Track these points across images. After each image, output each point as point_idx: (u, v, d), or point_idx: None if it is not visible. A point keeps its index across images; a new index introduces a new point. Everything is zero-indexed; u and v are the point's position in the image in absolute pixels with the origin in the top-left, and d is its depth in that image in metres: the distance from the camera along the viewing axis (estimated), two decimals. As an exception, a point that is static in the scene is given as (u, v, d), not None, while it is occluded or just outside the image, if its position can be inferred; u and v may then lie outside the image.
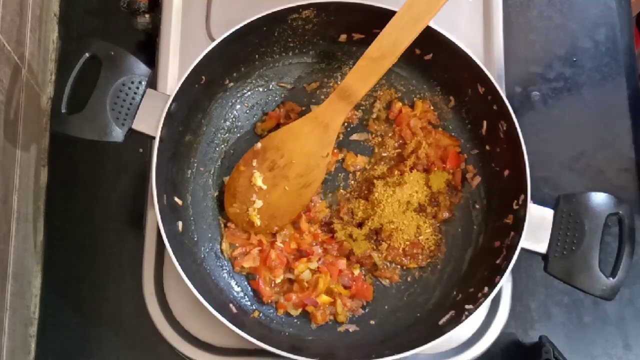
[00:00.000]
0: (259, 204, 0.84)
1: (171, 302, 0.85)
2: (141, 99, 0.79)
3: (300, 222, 0.87)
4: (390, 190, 0.86)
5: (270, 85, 0.93)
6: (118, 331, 0.88)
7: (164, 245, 0.74)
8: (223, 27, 0.81)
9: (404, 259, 0.87)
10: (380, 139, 0.92)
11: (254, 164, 0.84)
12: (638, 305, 0.91)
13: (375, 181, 0.88)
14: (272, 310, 0.85)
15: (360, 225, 0.87)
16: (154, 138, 0.77)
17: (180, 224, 0.83)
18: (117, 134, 0.78)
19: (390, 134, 0.92)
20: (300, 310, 0.84)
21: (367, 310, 0.86)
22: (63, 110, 0.78)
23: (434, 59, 0.88)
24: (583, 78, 1.00)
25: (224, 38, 0.80)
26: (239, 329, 0.72)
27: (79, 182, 0.94)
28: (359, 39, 0.89)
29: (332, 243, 0.87)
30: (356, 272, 0.85)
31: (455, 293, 0.83)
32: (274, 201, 0.84)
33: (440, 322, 0.79)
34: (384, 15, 0.82)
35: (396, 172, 0.88)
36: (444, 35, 0.82)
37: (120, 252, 0.91)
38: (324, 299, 0.83)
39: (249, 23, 0.80)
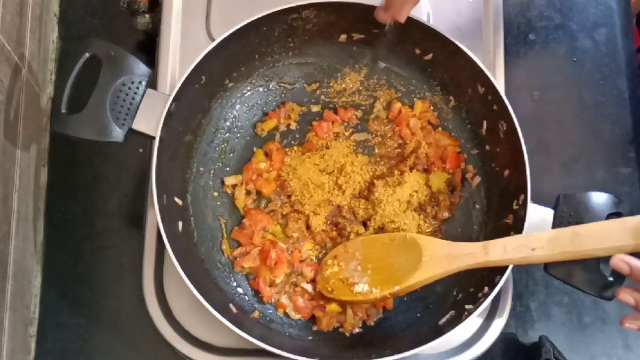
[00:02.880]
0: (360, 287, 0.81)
1: (171, 302, 0.85)
2: (141, 99, 0.79)
3: (310, 221, 0.87)
4: (390, 190, 0.86)
5: (270, 85, 0.93)
6: (118, 331, 0.88)
7: (164, 245, 0.74)
8: (223, 27, 0.81)
9: None
10: (380, 139, 0.92)
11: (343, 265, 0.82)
12: (638, 305, 0.91)
13: (375, 181, 0.88)
14: (272, 310, 0.85)
15: (364, 224, 0.87)
16: (154, 138, 0.77)
17: (180, 224, 0.83)
18: (117, 134, 0.78)
19: (390, 134, 0.92)
20: (299, 316, 0.84)
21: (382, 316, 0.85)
22: (63, 110, 0.78)
23: (434, 59, 0.88)
24: (583, 78, 1.00)
25: (224, 38, 0.80)
26: (239, 329, 0.72)
27: (79, 182, 0.94)
28: (359, 39, 0.89)
29: (339, 240, 0.87)
30: None
31: (455, 293, 0.83)
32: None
33: (440, 322, 0.79)
34: (384, 15, 0.82)
35: (396, 172, 0.88)
36: (444, 35, 0.82)
37: (120, 252, 0.91)
38: (333, 307, 0.83)
39: (249, 23, 0.80)
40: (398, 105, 0.92)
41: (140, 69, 0.79)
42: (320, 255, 0.87)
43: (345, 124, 0.93)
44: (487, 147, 0.87)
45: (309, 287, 0.85)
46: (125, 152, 0.95)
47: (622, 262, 0.64)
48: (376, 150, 0.92)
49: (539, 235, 0.71)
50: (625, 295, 0.66)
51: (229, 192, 0.89)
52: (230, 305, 0.81)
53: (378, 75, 0.93)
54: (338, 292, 0.81)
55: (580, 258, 0.70)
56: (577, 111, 0.99)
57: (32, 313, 0.89)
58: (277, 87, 0.93)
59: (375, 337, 0.83)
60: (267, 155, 0.90)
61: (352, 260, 0.82)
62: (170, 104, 0.78)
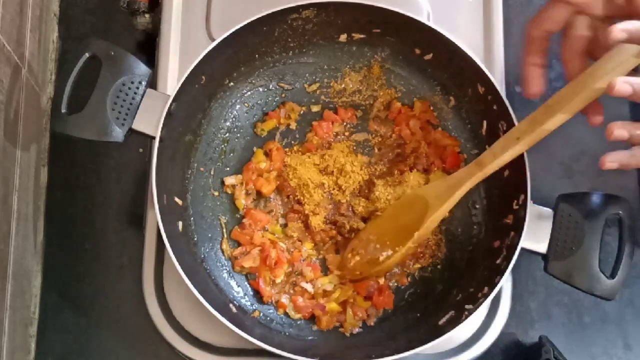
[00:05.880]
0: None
1: (171, 302, 0.85)
2: (141, 99, 0.79)
3: (310, 220, 0.87)
4: (390, 190, 0.86)
5: (270, 85, 0.93)
6: (118, 331, 0.88)
7: (164, 245, 0.74)
8: (223, 27, 0.81)
9: (409, 261, 0.87)
10: (380, 139, 0.92)
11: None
12: (638, 305, 0.91)
13: (375, 181, 0.88)
14: (272, 310, 0.85)
15: (364, 221, 0.87)
16: (154, 138, 0.77)
17: (180, 224, 0.83)
18: (117, 134, 0.78)
19: (390, 134, 0.92)
20: (300, 315, 0.84)
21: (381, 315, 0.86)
22: (63, 110, 0.78)
23: (434, 59, 0.88)
24: (583, 78, 1.00)
25: (224, 38, 0.80)
26: (239, 329, 0.72)
27: (79, 182, 0.94)
28: (359, 39, 0.89)
29: (339, 239, 0.87)
30: (381, 281, 0.85)
31: (455, 293, 0.83)
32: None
33: (440, 322, 0.79)
34: (384, 15, 0.82)
35: (396, 172, 0.88)
36: (444, 35, 0.82)
37: (120, 252, 0.91)
38: (333, 306, 0.84)
39: (249, 23, 0.80)
40: (398, 105, 0.92)
41: (140, 69, 0.79)
42: (320, 256, 0.87)
43: (345, 124, 0.93)
44: (487, 147, 0.86)
45: (308, 286, 0.85)
46: (125, 152, 0.95)
47: (625, 82, 0.61)
48: (376, 150, 0.92)
49: (517, 126, 0.73)
50: (619, 129, 0.64)
51: (229, 192, 0.89)
52: (230, 305, 0.81)
53: (378, 75, 0.93)
54: (365, 270, 0.82)
55: (563, 120, 0.69)
56: (577, 111, 0.99)
57: (32, 313, 0.89)
58: (277, 87, 0.93)
59: (375, 337, 0.83)
60: (267, 155, 0.91)
61: (369, 244, 0.83)
62: (170, 104, 0.78)
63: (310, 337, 0.84)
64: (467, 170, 0.77)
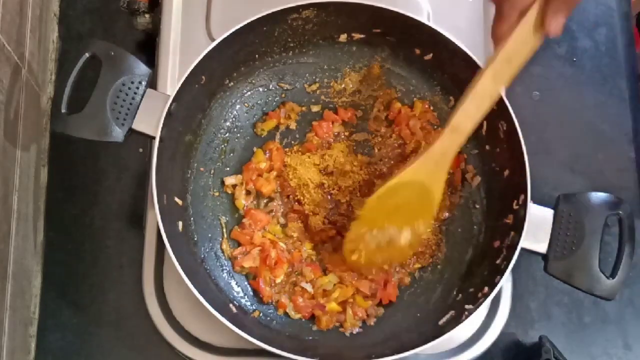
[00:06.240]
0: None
1: (171, 302, 0.85)
2: (141, 99, 0.78)
3: (309, 220, 0.87)
4: (390, 190, 0.86)
5: (270, 85, 0.93)
6: (118, 331, 0.88)
7: (164, 245, 0.74)
8: (223, 27, 0.81)
9: (409, 260, 0.87)
10: (380, 139, 0.92)
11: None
12: (638, 305, 0.91)
13: (375, 181, 0.88)
14: (272, 310, 0.85)
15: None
16: (154, 138, 0.77)
17: (180, 224, 0.83)
18: (117, 134, 0.78)
19: (390, 134, 0.92)
20: (300, 315, 0.84)
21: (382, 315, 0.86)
22: (63, 110, 0.78)
23: (434, 59, 0.88)
24: (583, 78, 1.00)
25: (224, 38, 0.80)
26: (239, 329, 0.72)
27: (79, 182, 0.94)
28: (359, 39, 0.89)
29: (338, 238, 0.87)
30: (386, 266, 0.85)
31: (455, 293, 0.83)
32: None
33: (440, 322, 0.79)
34: (384, 15, 0.82)
35: (396, 172, 0.88)
36: (444, 35, 0.82)
37: (120, 252, 0.91)
38: (332, 306, 0.84)
39: (249, 23, 0.80)
40: (398, 105, 0.92)
41: (140, 69, 0.79)
42: (320, 256, 0.87)
43: (345, 124, 0.93)
44: (487, 147, 0.87)
45: (308, 286, 0.85)
46: (125, 152, 0.95)
47: None
48: (376, 150, 0.92)
49: (482, 81, 0.71)
50: None
51: (229, 192, 0.89)
52: (230, 305, 0.81)
53: (378, 75, 0.93)
54: (392, 257, 0.81)
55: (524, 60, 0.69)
56: (577, 111, 0.99)
57: (32, 313, 0.89)
58: (277, 87, 0.93)
59: (375, 337, 0.83)
60: (267, 155, 0.91)
61: (365, 235, 0.80)
62: (170, 104, 0.78)
63: (310, 337, 0.84)
64: (448, 140, 0.74)
